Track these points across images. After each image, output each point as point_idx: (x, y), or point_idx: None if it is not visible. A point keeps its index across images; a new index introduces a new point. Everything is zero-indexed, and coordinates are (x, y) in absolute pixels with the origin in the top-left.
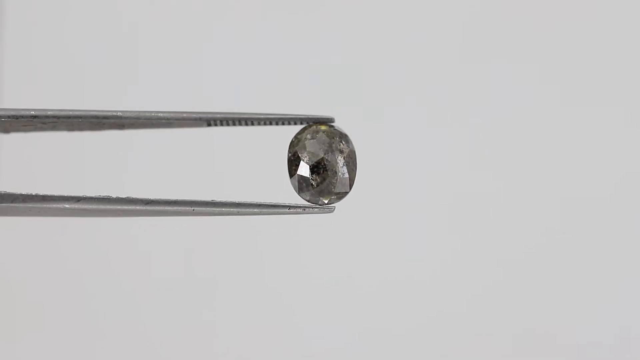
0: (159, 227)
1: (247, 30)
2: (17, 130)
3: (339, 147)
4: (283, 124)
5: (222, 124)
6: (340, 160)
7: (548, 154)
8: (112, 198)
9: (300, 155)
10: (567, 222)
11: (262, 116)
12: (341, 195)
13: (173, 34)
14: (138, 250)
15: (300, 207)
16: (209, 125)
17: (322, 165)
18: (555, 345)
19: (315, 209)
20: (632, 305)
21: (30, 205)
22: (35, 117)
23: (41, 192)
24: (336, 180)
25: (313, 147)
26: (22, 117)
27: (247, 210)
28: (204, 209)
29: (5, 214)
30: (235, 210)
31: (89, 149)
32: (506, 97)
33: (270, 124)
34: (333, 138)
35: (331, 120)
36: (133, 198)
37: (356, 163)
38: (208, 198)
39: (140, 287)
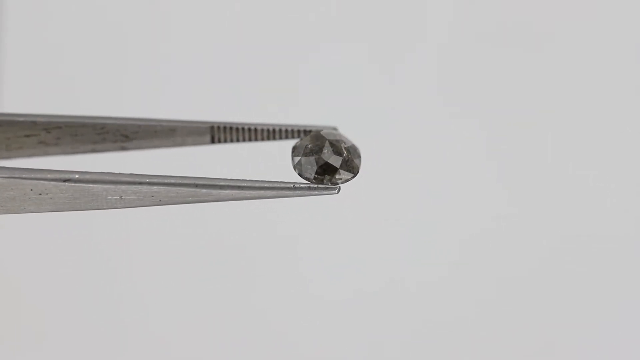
0: (161, 220)
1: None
2: (20, 155)
3: (342, 139)
4: (287, 136)
5: (225, 140)
6: (344, 145)
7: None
8: (114, 174)
9: (303, 145)
10: (569, 230)
11: (265, 127)
12: (346, 177)
13: (170, 42)
14: (141, 245)
15: (305, 186)
16: (213, 141)
17: (325, 146)
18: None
19: (321, 188)
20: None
21: (29, 182)
22: (35, 123)
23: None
24: (340, 160)
25: (317, 137)
26: (23, 122)
27: (252, 192)
28: (207, 190)
29: (7, 210)
30: (238, 192)
31: (91, 166)
32: (505, 96)
33: (274, 137)
34: (336, 134)
35: (334, 130)
36: (134, 175)
37: (360, 155)
38: (211, 176)
39: (142, 282)
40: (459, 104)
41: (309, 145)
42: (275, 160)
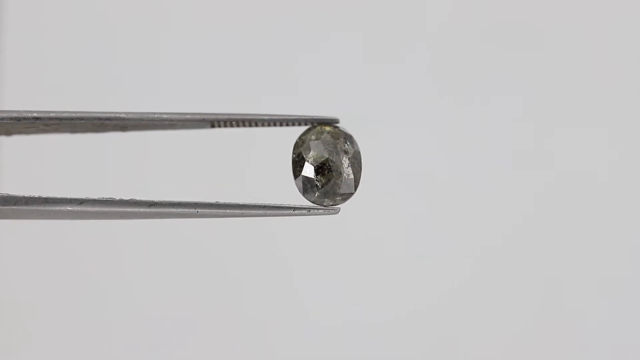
0: (164, 227)
1: (245, 31)
2: (19, 132)
3: (343, 148)
4: (287, 124)
5: (225, 125)
6: (345, 161)
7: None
8: (115, 200)
9: (304, 156)
10: (561, 221)
11: (265, 117)
12: (346, 197)
13: (170, 36)
14: (141, 251)
15: (305, 208)
16: (213, 126)
17: (326, 166)
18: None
19: (320, 210)
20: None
21: (33, 207)
22: (37, 119)
23: (44, 195)
24: (341, 181)
25: (317, 148)
26: (24, 119)
27: (252, 212)
28: (207, 210)
29: (7, 216)
30: (239, 212)
31: (92, 151)
32: (502, 93)
33: (274, 125)
34: (337, 139)
35: (335, 121)
36: (136, 200)
37: (361, 164)
38: (212, 200)
39: (144, 288)
40: (458, 97)
41: (310, 160)
42: (275, 145)
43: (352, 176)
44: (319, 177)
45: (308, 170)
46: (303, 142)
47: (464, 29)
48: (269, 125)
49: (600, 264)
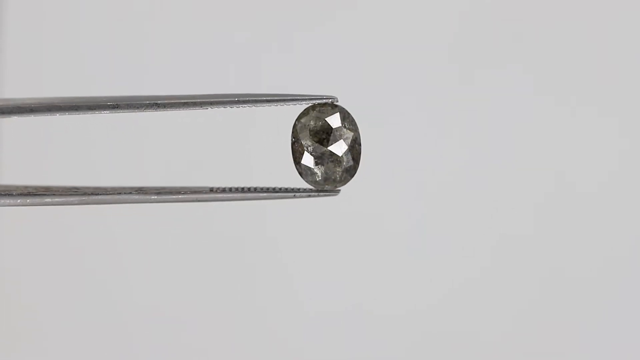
0: (163, 227)
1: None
2: None
3: (342, 134)
4: (283, 104)
5: (219, 106)
6: (344, 148)
7: (541, 148)
8: (119, 188)
9: (303, 143)
10: (560, 217)
11: (261, 97)
12: (346, 181)
13: (170, 36)
14: (140, 250)
15: (305, 191)
16: (207, 107)
17: (326, 156)
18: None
19: (321, 194)
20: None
21: (37, 200)
22: (33, 110)
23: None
24: (341, 168)
25: (316, 137)
26: (20, 110)
27: (253, 195)
28: (207, 195)
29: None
30: (239, 195)
31: (91, 135)
32: (505, 87)
33: (269, 103)
34: (336, 127)
35: (334, 99)
36: (126, 187)
37: (361, 144)
38: (209, 184)
39: (143, 287)
40: (459, 88)
41: (309, 150)
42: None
43: (351, 162)
44: (318, 166)
45: (307, 160)
46: (302, 126)
47: (463, 25)
48: (262, 103)
49: (600, 264)
